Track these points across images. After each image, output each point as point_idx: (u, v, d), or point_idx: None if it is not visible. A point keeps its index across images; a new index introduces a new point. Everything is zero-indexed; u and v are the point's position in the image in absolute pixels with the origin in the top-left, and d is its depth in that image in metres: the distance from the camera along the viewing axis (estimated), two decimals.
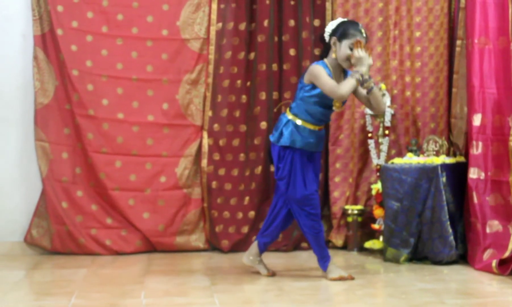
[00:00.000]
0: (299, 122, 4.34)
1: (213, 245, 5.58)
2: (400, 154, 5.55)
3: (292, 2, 5.63)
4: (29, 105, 5.39)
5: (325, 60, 4.37)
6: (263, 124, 5.59)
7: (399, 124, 5.64)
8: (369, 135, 5.56)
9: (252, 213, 5.58)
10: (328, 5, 5.68)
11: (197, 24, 5.57)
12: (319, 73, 4.24)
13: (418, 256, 4.96)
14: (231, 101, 5.58)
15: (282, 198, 4.47)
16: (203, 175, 5.53)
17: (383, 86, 5.50)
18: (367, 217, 5.55)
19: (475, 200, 4.78)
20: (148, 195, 5.48)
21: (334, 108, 4.36)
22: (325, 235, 5.47)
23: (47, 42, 5.35)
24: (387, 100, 5.50)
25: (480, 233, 4.73)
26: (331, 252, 4.51)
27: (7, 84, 5.40)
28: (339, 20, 4.39)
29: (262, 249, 4.59)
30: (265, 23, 5.57)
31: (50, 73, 5.37)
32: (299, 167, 4.34)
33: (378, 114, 5.34)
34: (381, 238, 5.26)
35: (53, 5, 5.33)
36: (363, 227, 5.53)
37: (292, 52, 5.63)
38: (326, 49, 4.39)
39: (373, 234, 5.46)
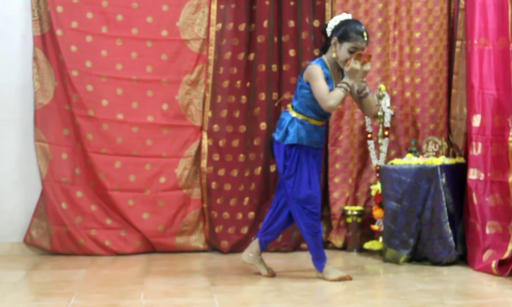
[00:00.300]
0: (303, 118, 4.35)
1: (212, 246, 5.58)
2: (400, 155, 5.54)
3: (291, 3, 5.63)
4: (29, 106, 5.39)
5: (324, 57, 4.37)
6: (263, 125, 5.59)
7: (398, 125, 5.64)
8: (369, 136, 5.56)
9: (251, 214, 5.58)
10: (327, 5, 5.67)
11: (197, 25, 5.57)
12: (315, 75, 4.25)
13: (418, 257, 4.96)
14: (230, 101, 5.57)
15: (284, 198, 4.47)
16: (202, 176, 5.53)
17: (382, 87, 5.50)
18: (366, 218, 5.55)
19: (475, 201, 4.78)
20: (147, 196, 5.48)
21: None
22: (324, 235, 5.51)
23: (47, 43, 5.35)
24: (386, 101, 5.50)
25: (479, 234, 4.73)
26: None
27: (6, 84, 5.40)
28: (343, 16, 4.35)
29: (263, 247, 4.58)
30: (265, 23, 5.57)
31: (50, 73, 5.37)
32: (305, 165, 4.35)
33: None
34: (380, 239, 5.26)
35: (52, 6, 5.32)
36: (363, 228, 5.53)
37: (291, 52, 5.63)
38: (326, 44, 4.39)
39: (372, 235, 5.45)
